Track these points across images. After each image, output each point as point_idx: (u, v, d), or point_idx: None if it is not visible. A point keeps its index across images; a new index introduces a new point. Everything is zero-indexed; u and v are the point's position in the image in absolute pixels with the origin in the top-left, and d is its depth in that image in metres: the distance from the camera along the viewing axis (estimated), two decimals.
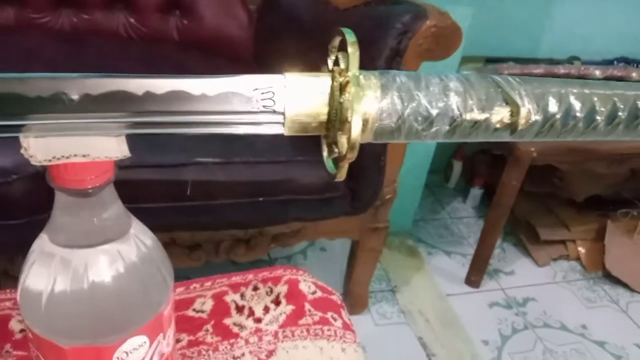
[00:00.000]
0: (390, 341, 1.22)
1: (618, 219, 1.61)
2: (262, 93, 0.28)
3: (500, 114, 0.31)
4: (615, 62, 1.66)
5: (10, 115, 0.26)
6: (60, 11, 1.17)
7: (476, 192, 1.71)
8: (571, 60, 1.63)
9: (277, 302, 0.54)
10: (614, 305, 1.44)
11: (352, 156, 0.28)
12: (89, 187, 0.27)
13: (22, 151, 0.26)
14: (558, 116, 0.32)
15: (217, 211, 0.92)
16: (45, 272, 0.29)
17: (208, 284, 0.55)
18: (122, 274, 0.29)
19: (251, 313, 0.53)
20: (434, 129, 0.30)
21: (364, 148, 0.76)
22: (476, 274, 1.41)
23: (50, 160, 0.26)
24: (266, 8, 1.28)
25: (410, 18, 0.90)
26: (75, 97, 0.26)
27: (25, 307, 0.29)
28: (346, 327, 0.55)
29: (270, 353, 0.50)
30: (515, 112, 0.31)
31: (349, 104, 0.27)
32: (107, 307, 0.29)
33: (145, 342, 0.31)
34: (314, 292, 0.56)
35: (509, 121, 0.31)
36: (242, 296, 0.54)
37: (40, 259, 0.29)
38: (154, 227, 0.90)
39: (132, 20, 1.22)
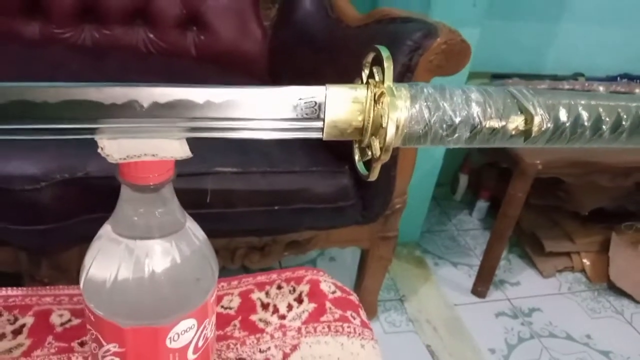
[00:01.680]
0: (399, 349, 1.24)
1: (622, 231, 1.63)
2: (306, 102, 0.32)
3: (515, 122, 0.35)
4: (618, 79, 1.70)
5: (87, 119, 0.29)
6: (82, 26, 1.22)
7: (482, 205, 1.74)
8: (575, 76, 1.67)
9: (299, 300, 0.58)
10: (619, 316, 1.46)
11: (386, 158, 0.31)
12: (153, 183, 0.31)
13: (99, 150, 0.30)
14: (567, 125, 0.36)
15: (235, 219, 0.96)
16: (109, 260, 0.32)
17: (235, 282, 0.58)
18: (178, 263, 0.32)
19: (276, 310, 0.56)
20: (456, 135, 0.34)
21: None
22: (482, 284, 1.44)
23: (124, 159, 0.29)
24: (280, 25, 1.32)
25: (421, 35, 0.94)
26: (145, 104, 0.29)
27: (89, 292, 0.33)
28: (364, 325, 0.58)
29: (294, 347, 0.53)
30: (529, 121, 0.34)
31: (384, 112, 0.31)
32: (164, 292, 0.32)
33: (194, 325, 0.34)
34: (333, 292, 0.59)
35: (523, 128, 0.35)
36: (267, 294, 0.57)
37: (104, 248, 0.33)
38: None
39: (151, 35, 1.26)
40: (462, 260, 1.57)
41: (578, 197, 1.59)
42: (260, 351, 0.52)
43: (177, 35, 1.28)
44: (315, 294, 0.58)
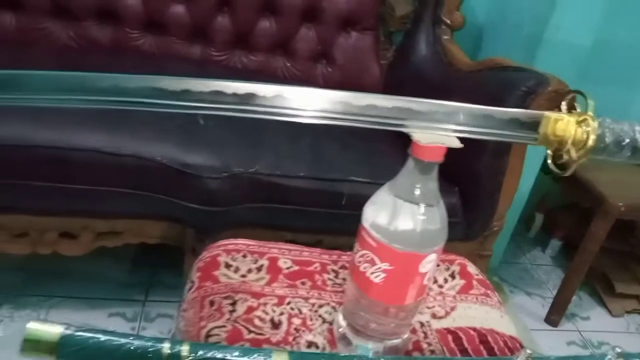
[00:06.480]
0: None
1: None
2: (531, 119, 0.50)
3: None
4: None
5: (398, 118, 0.49)
6: (235, 52, 1.46)
7: (556, 243, 1.87)
8: None
9: (452, 276, 0.75)
10: None
11: (584, 160, 0.49)
12: (431, 161, 0.49)
13: (411, 137, 0.48)
14: None
15: None
16: (391, 210, 0.51)
17: None
18: (436, 219, 0.51)
19: (435, 281, 0.74)
20: (621, 153, 0.51)
21: (482, 185, 1.07)
22: (556, 314, 1.56)
23: (429, 144, 0.48)
24: (396, 64, 1.53)
25: (535, 83, 1.11)
26: (423, 111, 0.48)
27: (376, 227, 0.51)
28: (500, 302, 0.75)
29: (453, 308, 0.70)
30: None
31: (585, 132, 0.49)
32: (426, 233, 0.51)
33: (434, 259, 0.52)
34: (477, 274, 0.77)
35: None
36: None
37: (386, 203, 0.51)
38: (310, 229, 1.14)
39: (288, 64, 1.49)
40: (535, 291, 1.69)
41: None
42: (428, 308, 0.69)
43: (310, 66, 1.50)
44: (464, 273, 0.76)
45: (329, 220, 1.14)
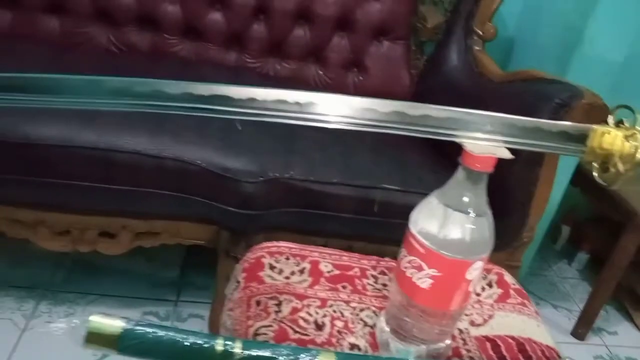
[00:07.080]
0: None
1: None
2: (578, 132, 0.51)
3: None
4: None
5: (449, 129, 0.50)
6: (269, 59, 1.49)
7: (582, 256, 1.86)
8: None
9: (489, 285, 0.76)
10: None
11: (632, 174, 0.50)
12: (481, 171, 0.51)
13: (464, 147, 0.50)
14: None
15: (393, 229, 1.15)
16: (438, 218, 0.52)
17: None
18: (483, 228, 0.52)
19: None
20: None
21: (514, 195, 1.07)
22: (583, 327, 1.55)
23: (480, 153, 0.49)
24: (427, 74, 1.54)
25: (569, 95, 1.12)
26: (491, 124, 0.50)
27: (424, 234, 0.53)
28: (536, 312, 0.75)
29: (490, 316, 0.71)
30: None
31: (633, 146, 0.50)
32: (475, 241, 0.52)
33: (480, 266, 0.54)
34: (514, 284, 0.77)
35: None
36: None
37: (434, 211, 0.53)
38: (342, 235, 1.16)
39: (320, 72, 1.51)
40: (562, 304, 1.69)
41: None
42: (466, 315, 0.70)
43: (342, 74, 1.52)
44: (501, 282, 0.77)
45: (361, 226, 1.16)
